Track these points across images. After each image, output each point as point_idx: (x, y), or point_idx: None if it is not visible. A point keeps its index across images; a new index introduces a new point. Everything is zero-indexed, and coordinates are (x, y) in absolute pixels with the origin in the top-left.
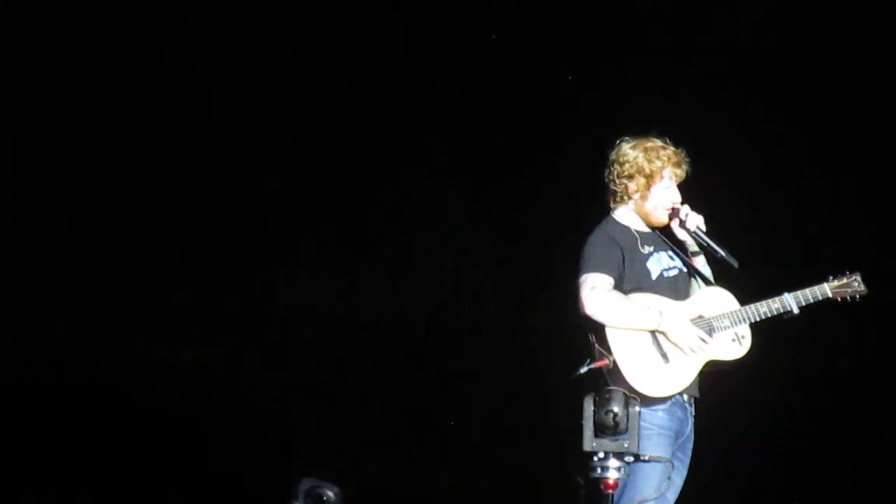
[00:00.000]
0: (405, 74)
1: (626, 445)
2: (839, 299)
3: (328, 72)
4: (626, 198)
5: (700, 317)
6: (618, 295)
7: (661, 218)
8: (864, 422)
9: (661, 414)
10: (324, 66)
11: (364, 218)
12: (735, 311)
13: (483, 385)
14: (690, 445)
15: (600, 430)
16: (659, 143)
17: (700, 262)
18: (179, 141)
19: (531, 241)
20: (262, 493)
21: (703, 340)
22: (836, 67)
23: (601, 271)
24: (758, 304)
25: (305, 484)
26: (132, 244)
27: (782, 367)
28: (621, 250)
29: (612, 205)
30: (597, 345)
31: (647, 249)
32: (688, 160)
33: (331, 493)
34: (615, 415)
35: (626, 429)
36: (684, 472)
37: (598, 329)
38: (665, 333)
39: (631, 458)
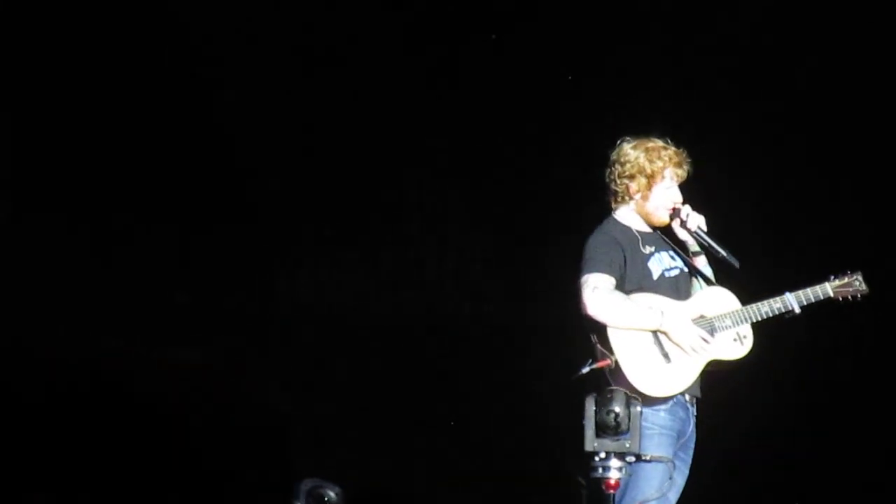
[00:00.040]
0: (405, 74)
1: (627, 445)
2: (840, 299)
3: (328, 72)
4: (627, 198)
5: (701, 317)
6: (619, 295)
7: (663, 218)
8: (865, 422)
9: (662, 414)
10: (324, 66)
11: (364, 218)
12: (736, 311)
13: (483, 385)
14: (692, 445)
15: (602, 430)
16: (660, 143)
17: (701, 262)
18: (179, 141)
19: (531, 241)
20: (263, 493)
21: (705, 340)
22: (836, 67)
23: (603, 272)
24: (759, 303)
25: (307, 484)
26: (132, 244)
27: (783, 366)
28: (622, 250)
29: (613, 205)
30: (598, 345)
31: (648, 249)
32: (689, 160)
33: (332, 494)
34: (616, 415)
35: (628, 429)
36: (686, 472)
37: (600, 329)
38: (667, 333)
39: (632, 459)
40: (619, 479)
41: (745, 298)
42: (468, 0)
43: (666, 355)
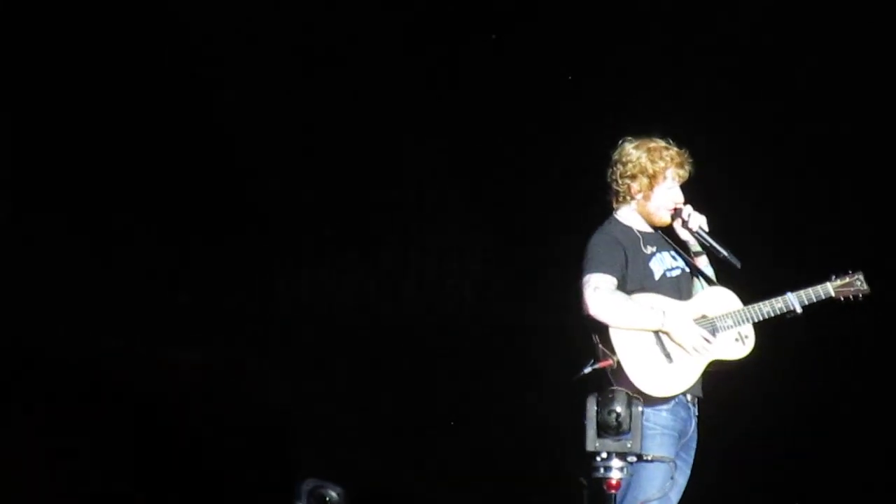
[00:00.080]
0: (405, 74)
1: (628, 445)
2: (842, 299)
3: (328, 72)
4: (628, 198)
5: (703, 317)
6: (621, 295)
7: (664, 218)
8: (866, 422)
9: (664, 414)
10: (324, 66)
11: (364, 218)
12: (738, 311)
13: (483, 385)
14: (694, 445)
15: (603, 430)
16: (662, 143)
17: (702, 263)
18: (180, 141)
19: (531, 241)
20: (263, 493)
21: (707, 340)
22: (836, 67)
23: (604, 272)
24: (761, 303)
25: (308, 484)
26: (132, 244)
27: (785, 366)
28: (624, 250)
29: (614, 205)
30: (600, 345)
31: (649, 250)
32: (691, 160)
33: (333, 494)
34: (618, 415)
35: (629, 429)
36: (687, 472)
37: (602, 329)
38: (668, 333)
39: (634, 459)
40: (621, 479)
41: (747, 298)
42: (468, 0)
43: (668, 355)
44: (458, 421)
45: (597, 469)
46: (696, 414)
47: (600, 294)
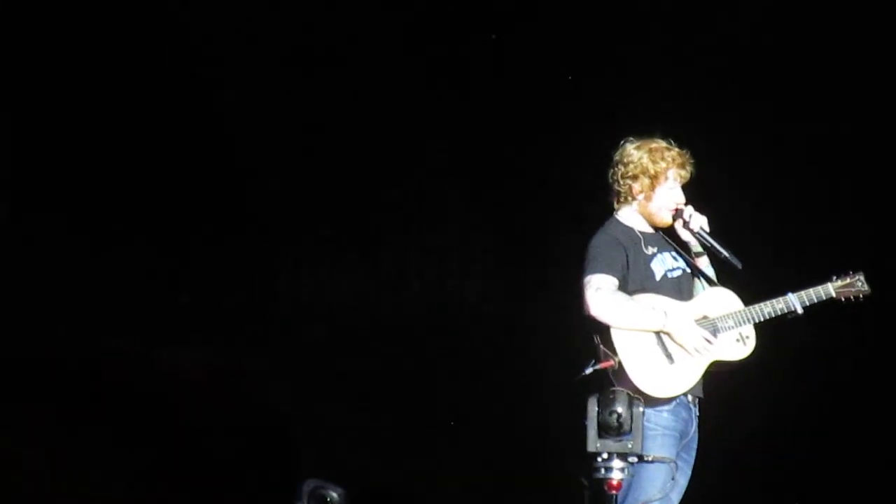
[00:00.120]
0: (405, 74)
1: (629, 446)
2: (843, 299)
3: (328, 72)
4: (630, 198)
5: (704, 317)
6: (622, 296)
7: (665, 219)
8: (866, 422)
9: (665, 414)
10: (324, 66)
11: (364, 218)
12: (739, 312)
13: (483, 385)
14: (695, 446)
15: (604, 430)
16: (663, 143)
17: (703, 263)
18: (179, 141)
19: (531, 241)
20: (264, 493)
21: (708, 341)
22: (836, 67)
23: (605, 272)
24: (762, 304)
25: (309, 485)
26: (132, 244)
27: (786, 367)
28: (625, 251)
29: (615, 205)
30: (602, 346)
31: (650, 250)
32: (692, 161)
33: (334, 494)
34: (619, 415)
35: (630, 429)
36: (688, 473)
37: (603, 330)
38: (670, 334)
39: (635, 459)
40: (622, 479)
41: (748, 299)
42: (468, 0)
43: (669, 356)
44: (458, 421)
45: (598, 470)
46: (697, 414)
47: (602, 295)
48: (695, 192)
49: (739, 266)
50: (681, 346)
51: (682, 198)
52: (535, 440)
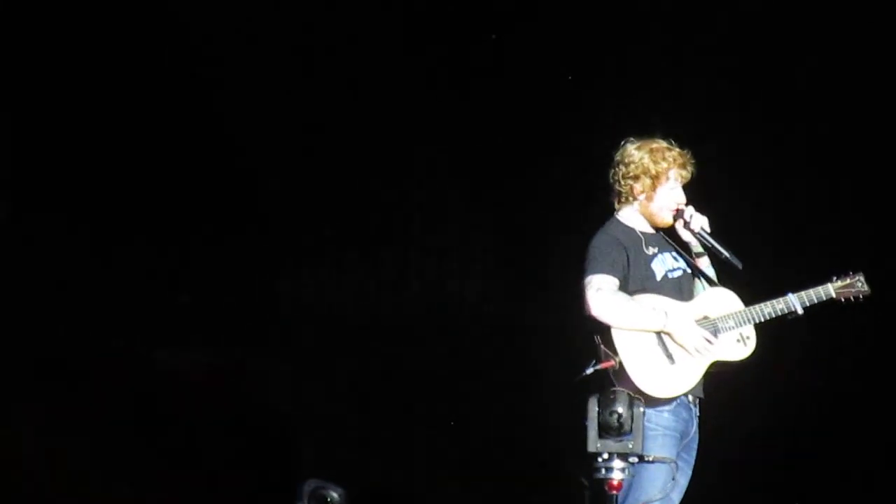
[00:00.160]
0: (405, 74)
1: (630, 446)
2: (843, 300)
3: (328, 72)
4: (630, 198)
5: (705, 317)
6: (623, 296)
7: (666, 219)
8: (866, 422)
9: (666, 415)
10: (324, 66)
11: (364, 218)
12: (740, 312)
13: (483, 385)
14: (695, 446)
15: (604, 430)
16: (664, 144)
17: (704, 263)
18: (180, 141)
19: (531, 241)
20: (264, 493)
21: (709, 341)
22: (836, 67)
23: (606, 272)
24: (762, 304)
25: (310, 485)
26: (132, 244)
27: (786, 367)
28: (626, 251)
29: (616, 205)
30: (602, 346)
31: (651, 250)
32: (693, 161)
33: (335, 494)
34: (619, 416)
35: (631, 430)
36: (689, 473)
37: (604, 330)
38: (670, 334)
39: (635, 459)
40: (622, 480)
41: (748, 299)
42: (468, 0)
43: (670, 356)
44: (458, 421)
45: (598, 470)
46: (698, 415)
47: (602, 295)
48: (695, 193)
49: (740, 266)
50: (681, 346)
51: (682, 198)
52: (535, 440)
